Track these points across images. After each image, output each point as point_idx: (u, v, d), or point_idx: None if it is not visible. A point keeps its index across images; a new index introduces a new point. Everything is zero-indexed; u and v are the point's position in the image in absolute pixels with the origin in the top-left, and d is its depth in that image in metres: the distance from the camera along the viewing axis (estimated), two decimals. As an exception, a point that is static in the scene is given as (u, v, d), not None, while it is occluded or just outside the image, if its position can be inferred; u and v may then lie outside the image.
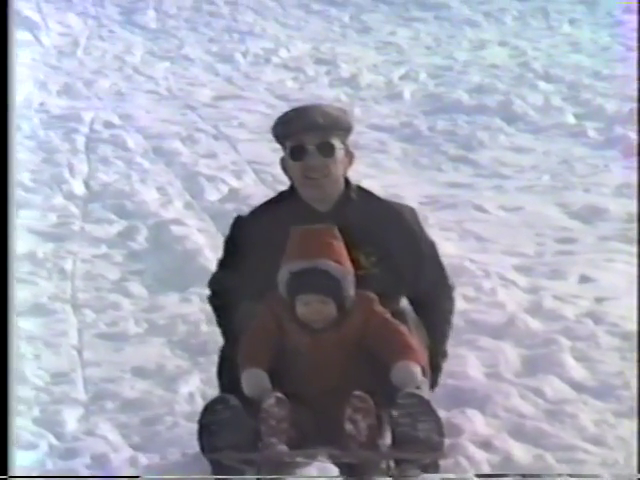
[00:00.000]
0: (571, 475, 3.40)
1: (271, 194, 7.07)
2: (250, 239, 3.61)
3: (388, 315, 3.36)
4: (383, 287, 3.49)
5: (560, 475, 3.40)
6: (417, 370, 3.23)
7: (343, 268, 3.33)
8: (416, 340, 3.36)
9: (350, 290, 3.34)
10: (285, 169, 3.67)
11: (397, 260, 3.60)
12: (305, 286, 3.30)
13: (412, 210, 3.75)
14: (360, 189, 3.70)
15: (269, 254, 3.43)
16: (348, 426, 3.09)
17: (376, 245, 3.58)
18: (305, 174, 3.57)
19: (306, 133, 3.55)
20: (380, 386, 3.22)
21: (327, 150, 3.56)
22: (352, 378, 3.24)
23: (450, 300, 3.75)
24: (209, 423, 3.20)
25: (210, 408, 3.22)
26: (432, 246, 3.72)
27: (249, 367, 3.25)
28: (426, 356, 3.47)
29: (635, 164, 7.53)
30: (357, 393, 3.11)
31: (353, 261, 3.40)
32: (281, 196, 3.72)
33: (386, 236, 3.60)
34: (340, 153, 3.60)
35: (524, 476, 3.41)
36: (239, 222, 3.72)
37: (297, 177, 3.61)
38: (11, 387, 3.40)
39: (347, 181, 3.68)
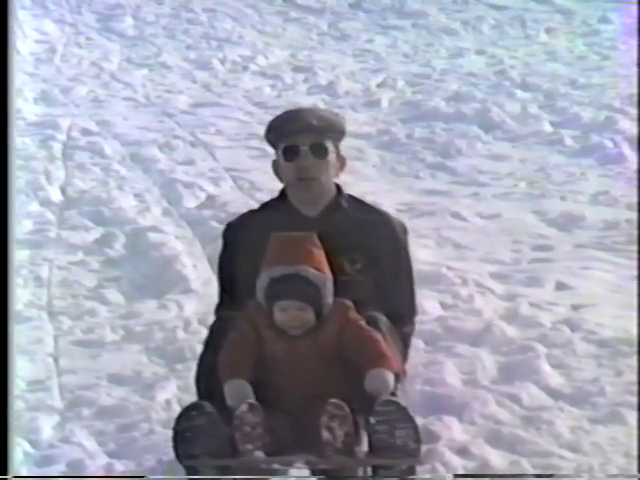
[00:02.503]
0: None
1: (249, 201, 7.11)
2: (238, 245, 3.63)
3: (363, 322, 3.36)
4: (364, 294, 3.51)
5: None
6: (390, 377, 3.23)
7: (323, 275, 3.33)
8: (390, 347, 3.36)
9: (329, 297, 3.34)
10: (277, 172, 3.69)
11: (380, 270, 3.62)
12: (284, 292, 3.30)
13: (403, 226, 3.77)
14: (352, 197, 3.74)
15: (256, 260, 3.42)
16: (324, 433, 3.09)
17: (362, 252, 3.61)
18: (297, 175, 3.60)
19: (299, 134, 3.59)
20: (357, 393, 3.22)
21: (320, 151, 3.60)
22: (329, 385, 3.24)
23: (412, 325, 3.76)
24: (184, 430, 3.19)
25: (185, 414, 3.21)
26: (410, 268, 3.75)
27: (231, 378, 3.24)
28: (400, 362, 3.47)
29: (612, 172, 7.58)
30: (333, 400, 3.11)
31: (336, 266, 3.41)
32: (269, 203, 3.74)
33: (374, 244, 3.63)
34: (332, 156, 3.64)
35: (502, 476, 3.42)
36: (229, 228, 3.73)
37: (289, 179, 3.64)
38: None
39: (339, 188, 3.71)
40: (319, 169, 3.60)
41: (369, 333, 3.32)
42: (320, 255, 3.36)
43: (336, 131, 3.65)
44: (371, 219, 3.69)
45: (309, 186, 3.61)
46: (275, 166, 3.69)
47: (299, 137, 3.59)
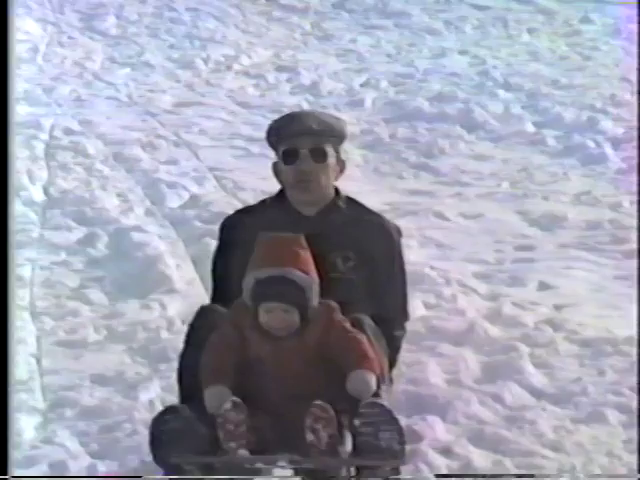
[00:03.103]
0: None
1: (232, 201, 7.09)
2: (234, 241, 3.63)
3: (347, 324, 3.36)
4: (355, 294, 3.52)
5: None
6: (372, 379, 3.24)
7: (309, 277, 3.33)
8: (374, 349, 3.36)
9: (314, 299, 3.34)
10: (277, 174, 3.70)
11: (373, 270, 3.62)
12: (270, 294, 3.30)
13: (398, 228, 3.78)
14: (349, 199, 3.75)
15: (248, 256, 3.42)
16: (309, 435, 3.09)
17: (356, 250, 3.62)
18: (296, 178, 3.60)
19: (299, 137, 3.60)
20: (341, 394, 3.22)
21: (319, 155, 3.61)
22: (313, 386, 3.24)
23: (403, 329, 3.77)
24: (159, 433, 3.18)
25: (159, 418, 3.20)
26: (404, 272, 3.75)
27: (212, 384, 3.23)
28: (385, 364, 3.47)
29: (595, 172, 7.61)
30: (318, 402, 3.11)
31: (328, 264, 3.41)
32: (267, 201, 3.75)
33: (368, 243, 3.64)
34: (332, 160, 3.65)
35: (483, 476, 3.43)
36: (226, 224, 3.73)
37: (288, 181, 3.65)
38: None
39: (337, 191, 3.72)
40: (318, 173, 3.62)
41: (353, 334, 3.32)
42: (307, 257, 3.36)
43: (336, 135, 3.67)
44: (366, 219, 3.71)
45: (308, 188, 3.63)
46: (275, 168, 3.70)
47: (299, 140, 3.60)
